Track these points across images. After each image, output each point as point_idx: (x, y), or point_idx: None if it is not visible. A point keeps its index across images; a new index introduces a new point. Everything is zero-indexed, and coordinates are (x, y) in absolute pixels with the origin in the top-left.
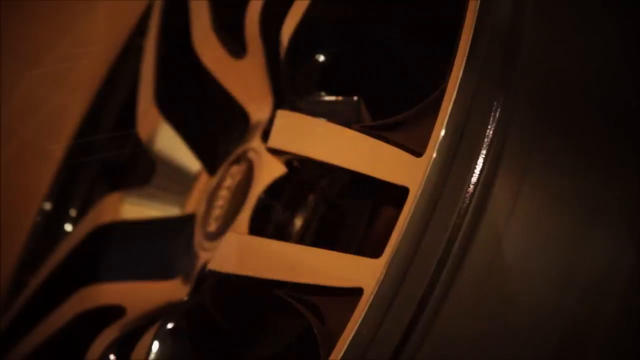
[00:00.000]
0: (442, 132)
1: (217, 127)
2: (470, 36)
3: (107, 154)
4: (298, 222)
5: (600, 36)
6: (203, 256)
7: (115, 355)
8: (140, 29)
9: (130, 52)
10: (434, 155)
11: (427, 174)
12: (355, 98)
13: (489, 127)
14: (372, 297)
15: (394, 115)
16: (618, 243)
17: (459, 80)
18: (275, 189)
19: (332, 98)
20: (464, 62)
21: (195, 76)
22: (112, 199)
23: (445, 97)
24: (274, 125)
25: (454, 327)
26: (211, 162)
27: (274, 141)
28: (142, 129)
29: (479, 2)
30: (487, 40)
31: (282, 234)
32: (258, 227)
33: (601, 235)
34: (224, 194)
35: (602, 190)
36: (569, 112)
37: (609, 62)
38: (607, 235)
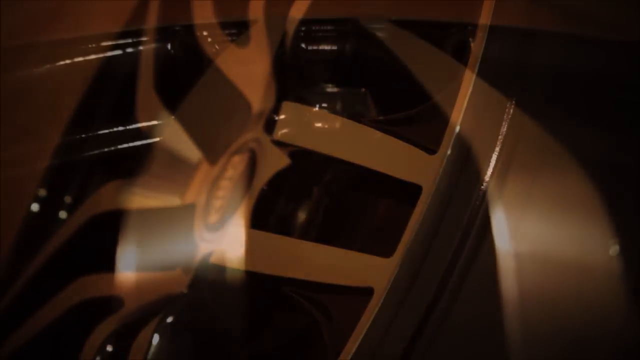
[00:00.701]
0: (457, 129)
1: (218, 116)
2: (486, 35)
3: (105, 141)
4: (301, 216)
5: (616, 34)
6: (203, 247)
7: (113, 347)
8: (139, 14)
9: (128, 37)
10: (448, 152)
11: (441, 171)
12: (363, 90)
13: (503, 124)
14: (383, 298)
15: (399, 110)
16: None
17: (474, 77)
18: (278, 180)
19: (338, 89)
20: (479, 59)
21: (197, 64)
22: (110, 187)
23: (460, 94)
24: (280, 118)
25: (464, 328)
26: (212, 151)
27: (280, 134)
28: (142, 117)
29: (494, 1)
30: (502, 39)
31: (284, 227)
32: (260, 220)
33: (607, 242)
34: (225, 184)
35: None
36: (582, 110)
37: (621, 61)
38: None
